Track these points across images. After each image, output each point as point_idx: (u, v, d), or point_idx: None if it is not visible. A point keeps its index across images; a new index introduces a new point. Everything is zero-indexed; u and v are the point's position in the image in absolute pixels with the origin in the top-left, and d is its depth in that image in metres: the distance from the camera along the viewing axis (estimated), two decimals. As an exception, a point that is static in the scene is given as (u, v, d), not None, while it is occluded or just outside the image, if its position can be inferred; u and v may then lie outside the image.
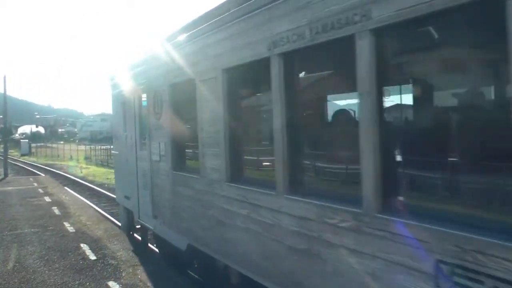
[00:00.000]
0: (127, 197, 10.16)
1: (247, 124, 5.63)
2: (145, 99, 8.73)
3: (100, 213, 15.40)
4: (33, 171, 36.79)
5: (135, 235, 10.90)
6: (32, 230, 11.49)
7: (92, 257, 8.84)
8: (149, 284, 7.29)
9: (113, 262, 8.47)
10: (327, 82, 4.76)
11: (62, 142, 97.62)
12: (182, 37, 6.59)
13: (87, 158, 52.15)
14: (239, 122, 5.35)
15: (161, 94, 7.52)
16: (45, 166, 43.52)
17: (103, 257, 8.84)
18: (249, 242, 4.98)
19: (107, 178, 28.34)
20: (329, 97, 5.19)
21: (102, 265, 8.30)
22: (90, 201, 18.33)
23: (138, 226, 10.46)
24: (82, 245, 9.83)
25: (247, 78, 5.37)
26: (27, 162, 51.81)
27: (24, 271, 8.11)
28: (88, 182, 26.63)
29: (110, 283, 7.29)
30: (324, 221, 3.81)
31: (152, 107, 7.98)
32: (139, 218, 9.32)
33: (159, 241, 8.67)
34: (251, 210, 4.89)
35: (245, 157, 5.47)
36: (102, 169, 37.71)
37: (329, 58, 4.01)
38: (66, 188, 22.35)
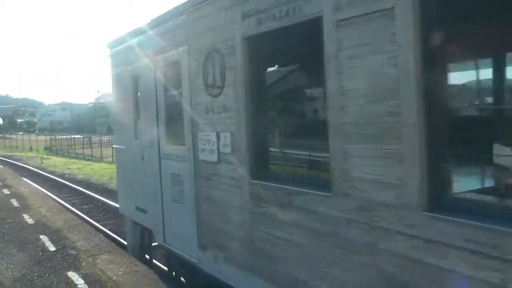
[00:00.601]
0: (140, 209, 7.32)
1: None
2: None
3: (60, 203, 14.88)
4: (-10, 163, 33.25)
5: (154, 261, 8.08)
6: (-11, 224, 10.76)
7: (52, 248, 8.53)
8: (108, 273, 7.03)
9: (73, 252, 8.23)
10: None
11: (21, 132, 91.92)
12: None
13: (47, 149, 51.39)
14: (459, 94, 2.71)
15: (222, 57, 4.75)
16: (4, 157, 40.51)
17: (62, 247, 8.53)
18: None
19: (68, 168, 28.05)
20: None
21: (62, 255, 8.04)
22: (51, 192, 17.77)
23: (153, 244, 7.84)
24: (41, 236, 9.38)
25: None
26: (-16, 154, 47.55)
27: (-19, 266, 7.53)
28: (49, 173, 25.54)
29: (70, 274, 7.09)
30: None
31: (201, 79, 5.20)
32: (164, 242, 6.50)
33: (208, 283, 5.76)
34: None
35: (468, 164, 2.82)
36: (63, 159, 37.11)
37: None
38: (25, 179, 21.17)
